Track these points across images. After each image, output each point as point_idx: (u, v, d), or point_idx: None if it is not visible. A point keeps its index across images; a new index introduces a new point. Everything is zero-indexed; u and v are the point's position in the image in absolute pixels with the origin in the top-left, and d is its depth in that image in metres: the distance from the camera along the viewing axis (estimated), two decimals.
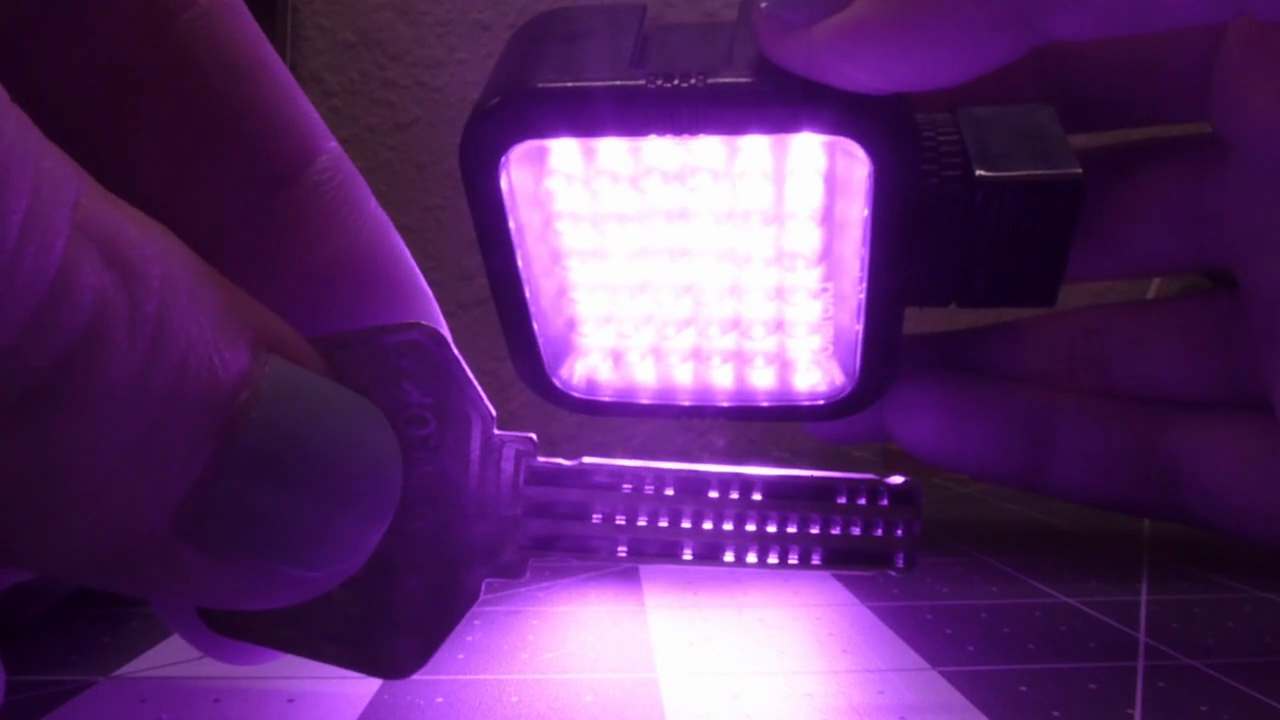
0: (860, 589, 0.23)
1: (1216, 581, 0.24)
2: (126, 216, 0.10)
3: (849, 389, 0.26)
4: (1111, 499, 0.27)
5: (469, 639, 0.19)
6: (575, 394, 0.27)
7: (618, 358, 0.27)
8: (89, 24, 0.12)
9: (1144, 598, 0.23)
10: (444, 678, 0.17)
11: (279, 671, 0.17)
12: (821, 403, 0.26)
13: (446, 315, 0.15)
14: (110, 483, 0.10)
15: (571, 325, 0.27)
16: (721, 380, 0.27)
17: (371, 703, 0.16)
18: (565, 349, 0.27)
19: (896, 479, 0.15)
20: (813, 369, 0.27)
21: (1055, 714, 0.16)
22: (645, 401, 0.27)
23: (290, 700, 0.16)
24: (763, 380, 0.27)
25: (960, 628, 0.20)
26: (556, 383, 0.27)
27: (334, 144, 0.14)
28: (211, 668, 0.18)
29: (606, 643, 0.19)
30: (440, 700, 0.16)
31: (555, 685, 0.17)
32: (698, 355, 0.27)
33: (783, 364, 0.27)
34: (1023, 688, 0.17)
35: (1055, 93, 0.26)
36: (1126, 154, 0.27)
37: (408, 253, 0.15)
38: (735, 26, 0.23)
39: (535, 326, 0.25)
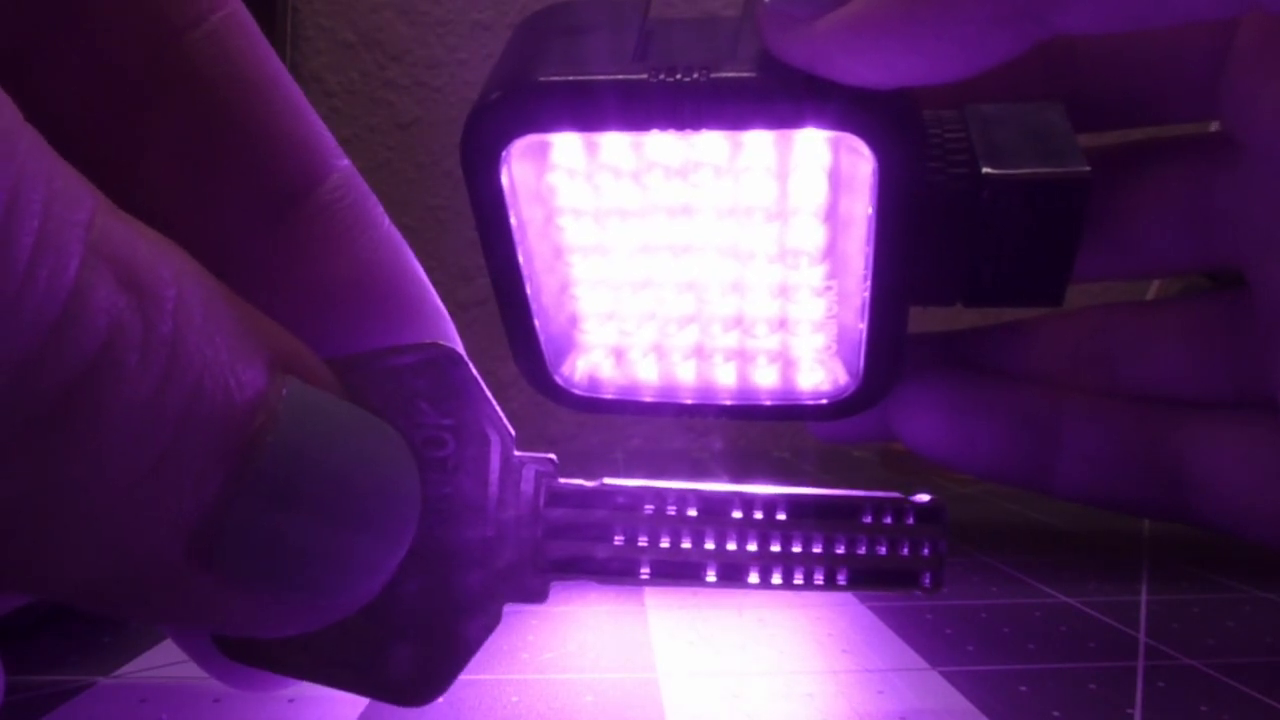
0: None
1: (1216, 581, 0.24)
2: (140, 236, 0.10)
3: (853, 388, 0.26)
4: (1116, 499, 0.27)
5: None
6: (577, 391, 0.27)
7: (619, 355, 0.27)
8: (97, 40, 0.12)
9: (1144, 598, 0.23)
10: None
11: None
12: (825, 402, 0.26)
13: None
14: (123, 506, 0.10)
15: (573, 322, 0.27)
16: (724, 378, 0.27)
17: (372, 703, 0.16)
18: (567, 346, 0.27)
19: (922, 497, 0.15)
20: (816, 368, 0.26)
21: (1055, 714, 0.16)
22: (647, 399, 0.27)
23: (290, 700, 0.16)
24: (765, 379, 0.27)
25: (960, 628, 0.20)
26: (558, 380, 0.27)
27: (345, 162, 0.14)
28: None
29: (606, 643, 0.19)
30: (440, 700, 0.16)
31: (555, 685, 0.17)
32: (700, 353, 0.27)
33: (786, 362, 0.27)
34: (1023, 688, 0.17)
35: (1064, 90, 0.26)
36: (1134, 153, 0.27)
37: (422, 271, 0.14)
38: (739, 21, 0.22)
39: (536, 323, 0.25)
